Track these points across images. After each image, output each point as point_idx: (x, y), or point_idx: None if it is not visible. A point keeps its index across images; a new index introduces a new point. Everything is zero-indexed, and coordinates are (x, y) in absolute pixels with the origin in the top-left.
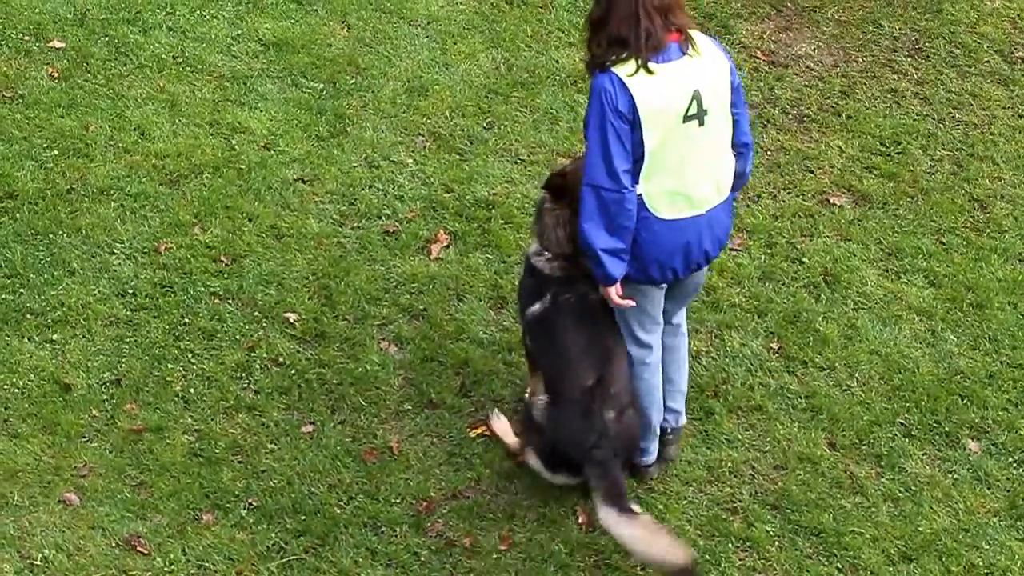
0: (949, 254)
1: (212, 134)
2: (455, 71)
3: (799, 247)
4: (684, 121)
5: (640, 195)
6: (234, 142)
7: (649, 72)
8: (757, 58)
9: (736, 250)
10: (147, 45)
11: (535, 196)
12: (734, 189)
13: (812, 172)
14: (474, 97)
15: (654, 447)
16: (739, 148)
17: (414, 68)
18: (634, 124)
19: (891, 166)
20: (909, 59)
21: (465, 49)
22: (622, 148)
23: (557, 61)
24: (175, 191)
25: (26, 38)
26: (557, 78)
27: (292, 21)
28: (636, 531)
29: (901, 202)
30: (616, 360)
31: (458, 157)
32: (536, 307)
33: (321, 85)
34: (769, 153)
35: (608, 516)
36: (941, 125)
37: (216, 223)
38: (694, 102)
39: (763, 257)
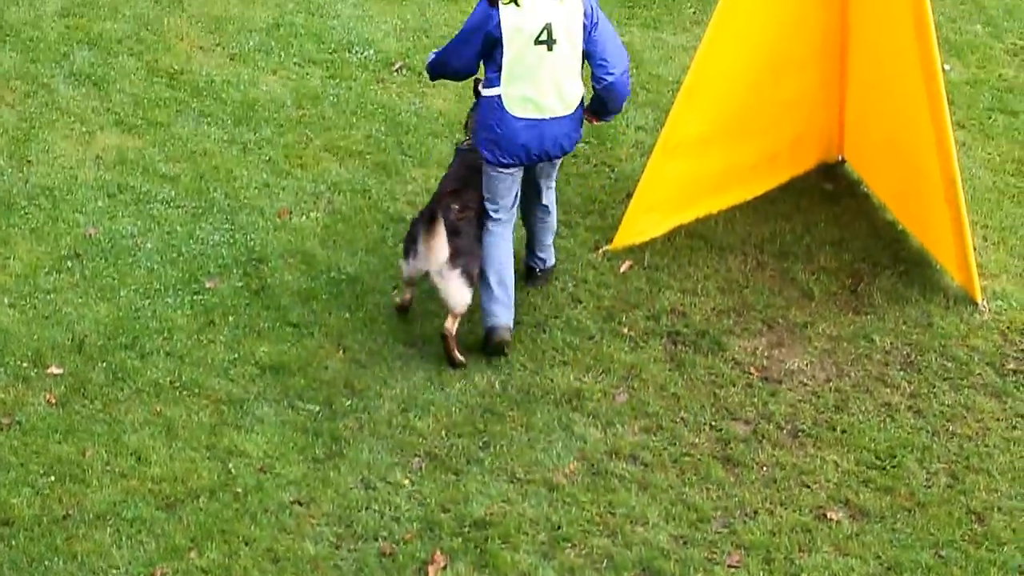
0: (948, 568)
1: (209, 457)
2: (450, 391)
3: (797, 563)
4: (535, 44)
5: (500, 97)
6: (231, 465)
7: (517, 5)
8: (750, 374)
9: (734, 567)
10: (144, 370)
11: (532, 516)
12: (607, 114)
13: (808, 487)
14: (469, 416)
15: (501, 312)
16: (596, 82)
17: (409, 388)
18: (495, 40)
19: (887, 480)
20: (901, 373)
21: (460, 369)
22: (457, 51)
23: (552, 380)
24: (171, 515)
25: (24, 364)
26: (552, 396)
27: (288, 344)
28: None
29: (898, 516)
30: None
31: (454, 477)
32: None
33: (317, 407)
34: (765, 469)
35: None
36: (935, 438)
37: (212, 547)
38: (545, 31)
39: (761, 574)
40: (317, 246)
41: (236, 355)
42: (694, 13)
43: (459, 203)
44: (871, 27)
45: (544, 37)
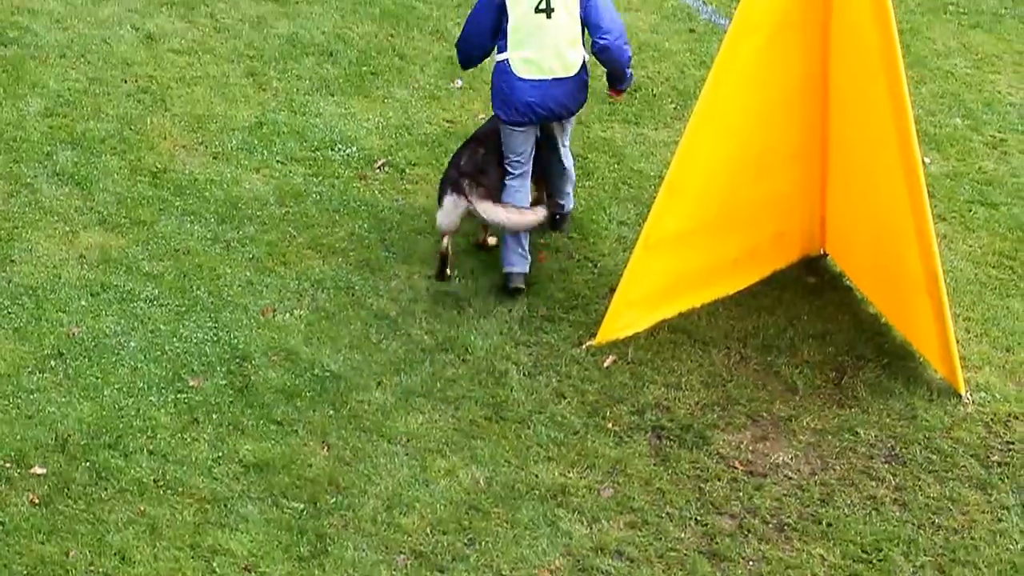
0: None
1: (193, 557)
2: (435, 488)
3: None
4: (536, 12)
5: (507, 60)
6: (215, 564)
7: None
8: (735, 468)
9: None
10: (128, 469)
11: None
12: (617, 81)
13: None
14: (455, 513)
15: (518, 260)
16: (593, 46)
17: (394, 486)
18: (501, 9)
19: (873, 573)
20: (886, 465)
21: (445, 465)
22: (475, 24)
23: (537, 476)
24: None
25: (7, 465)
26: (537, 492)
27: (272, 442)
28: (509, 214)
29: None
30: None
31: (440, 574)
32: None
33: (302, 505)
34: (751, 563)
35: (487, 207)
36: (921, 531)
37: None
38: (543, 1)
39: None
40: (301, 343)
41: (220, 453)
42: (675, 108)
43: (483, 147)
44: (851, 121)
45: (543, 6)
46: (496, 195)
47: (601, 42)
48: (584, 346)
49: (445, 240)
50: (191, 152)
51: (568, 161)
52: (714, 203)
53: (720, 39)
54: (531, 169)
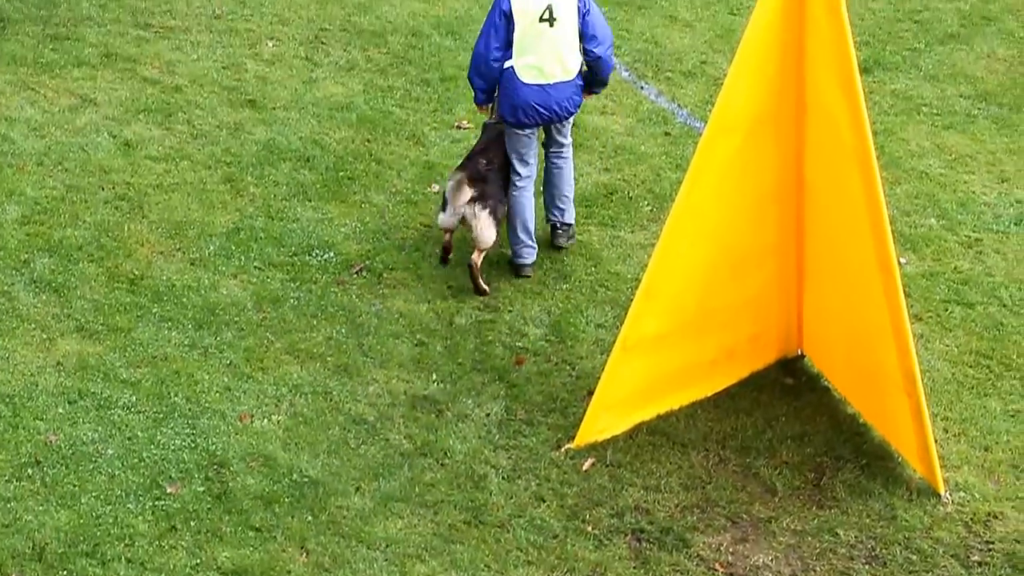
0: None
1: None
2: None
3: None
4: (540, 22)
5: (512, 67)
6: None
7: None
8: (716, 570)
9: None
10: None
11: None
12: (596, 85)
13: None
14: None
15: (527, 252)
16: (586, 55)
17: None
18: (510, 18)
19: None
20: (867, 566)
21: (425, 571)
22: (495, 34)
23: None
24: None
25: None
26: None
27: (251, 548)
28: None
29: None
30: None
31: None
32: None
33: None
34: None
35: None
36: None
37: None
38: (547, 10)
39: None
40: (279, 449)
41: (198, 560)
42: (651, 211)
43: (486, 158)
44: (827, 222)
45: (546, 16)
46: (496, 209)
47: (595, 52)
48: (563, 449)
49: (447, 235)
50: (169, 258)
51: (569, 159)
52: (691, 305)
53: (695, 142)
54: (535, 173)
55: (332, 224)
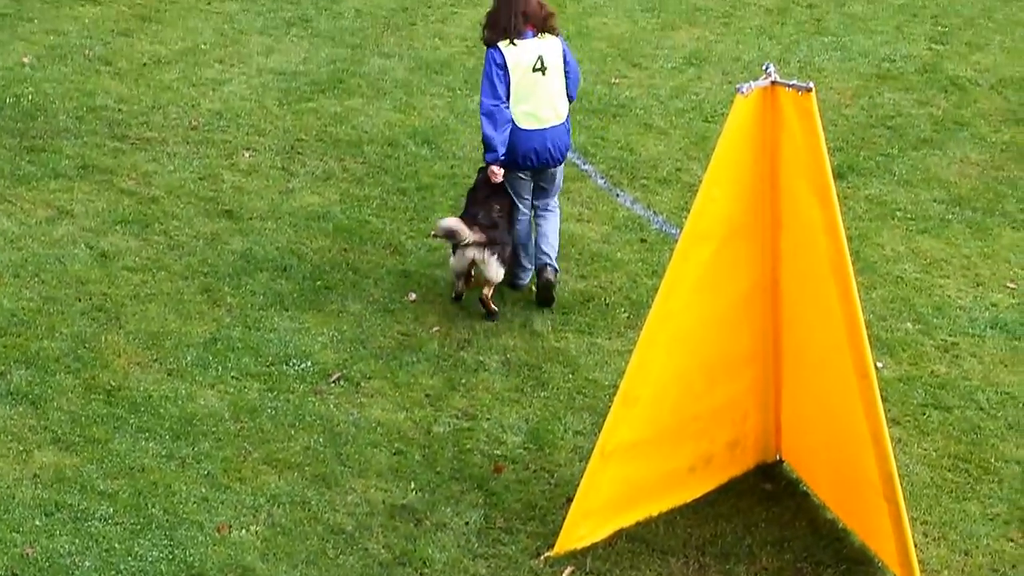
0: None
1: None
2: None
3: None
4: (533, 71)
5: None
6: None
7: (514, 44)
8: None
9: None
10: None
11: None
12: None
13: None
14: None
15: (524, 274)
16: (569, 96)
17: None
18: (505, 70)
19: None
20: None
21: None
22: (500, 83)
23: None
24: None
25: None
26: None
27: None
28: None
29: None
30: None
31: None
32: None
33: None
34: None
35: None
36: None
37: None
38: (539, 60)
39: None
40: (257, 560)
41: None
42: (628, 318)
43: (497, 204)
44: (803, 327)
45: (539, 66)
46: (504, 252)
47: (573, 92)
48: (542, 557)
49: (460, 283)
50: (146, 369)
51: (557, 213)
52: (669, 412)
53: (671, 248)
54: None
55: (309, 333)
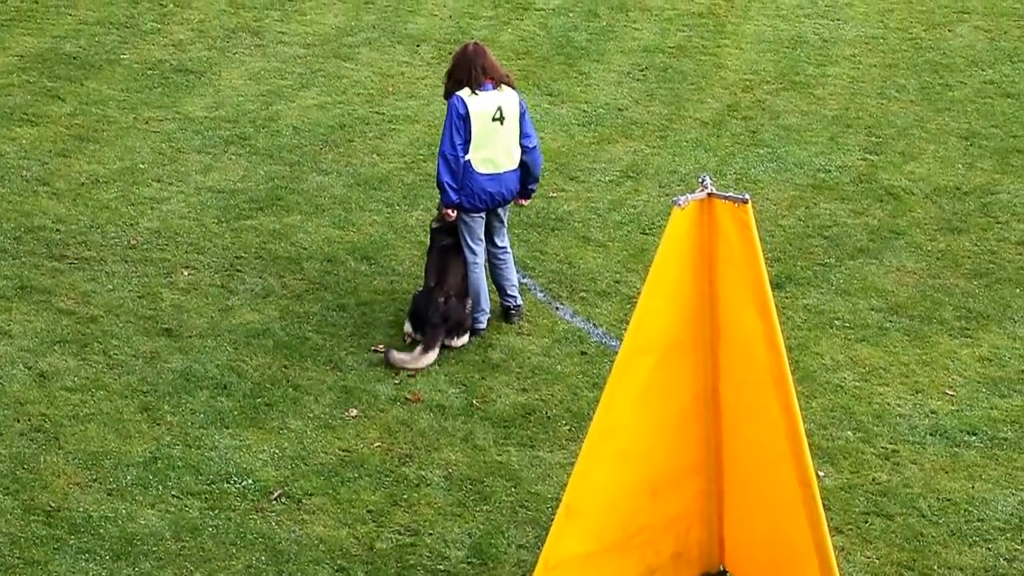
0: None
1: None
2: None
3: None
4: (492, 121)
5: (469, 160)
6: None
7: (475, 94)
8: None
9: None
10: None
11: None
12: (531, 182)
13: None
14: None
15: (483, 317)
16: (525, 151)
17: None
18: (466, 120)
19: None
20: None
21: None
22: (458, 134)
23: None
24: None
25: None
26: None
27: None
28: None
29: None
30: (451, 273)
31: None
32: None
33: None
34: None
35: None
36: None
37: None
38: (498, 110)
39: None
40: None
41: None
42: (569, 430)
43: (445, 291)
44: (745, 438)
45: (498, 116)
46: (463, 326)
47: (530, 146)
48: None
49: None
50: (85, 489)
51: (507, 245)
52: (612, 524)
53: (612, 361)
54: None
55: (250, 451)
